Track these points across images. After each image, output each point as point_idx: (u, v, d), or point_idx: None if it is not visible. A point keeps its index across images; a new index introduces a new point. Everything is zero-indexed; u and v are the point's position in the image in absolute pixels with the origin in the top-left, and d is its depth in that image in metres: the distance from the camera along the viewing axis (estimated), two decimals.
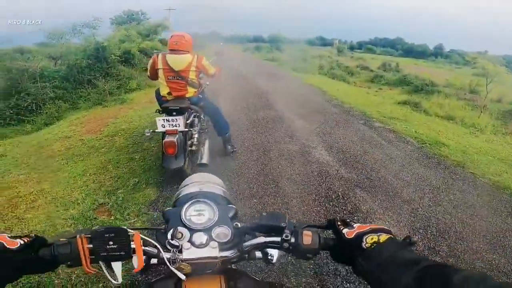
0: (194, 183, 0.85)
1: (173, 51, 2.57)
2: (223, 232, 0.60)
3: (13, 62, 6.03)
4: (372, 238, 0.47)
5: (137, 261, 0.54)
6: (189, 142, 2.59)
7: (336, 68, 14.36)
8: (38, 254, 0.51)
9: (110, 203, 2.38)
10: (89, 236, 0.52)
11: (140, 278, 1.58)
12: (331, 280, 1.73)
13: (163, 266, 0.57)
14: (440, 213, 2.49)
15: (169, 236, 0.58)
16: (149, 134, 2.54)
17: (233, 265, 0.71)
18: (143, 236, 0.55)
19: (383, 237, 0.47)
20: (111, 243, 0.52)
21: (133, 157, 3.24)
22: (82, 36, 8.07)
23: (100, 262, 0.52)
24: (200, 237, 0.58)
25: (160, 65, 2.58)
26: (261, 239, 0.60)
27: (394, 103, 7.62)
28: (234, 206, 0.70)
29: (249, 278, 0.61)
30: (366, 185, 2.88)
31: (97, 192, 2.57)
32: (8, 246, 0.47)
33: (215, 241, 0.58)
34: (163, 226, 0.63)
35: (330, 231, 0.58)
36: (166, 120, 2.31)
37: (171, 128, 2.32)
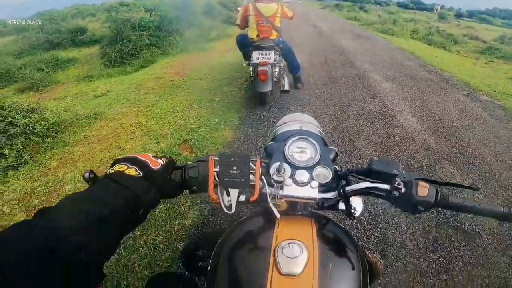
0: (294, 121, 0.82)
1: (261, 0, 3.06)
2: (324, 173, 0.58)
3: (118, 14, 6.83)
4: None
5: (254, 190, 0.53)
6: (274, 73, 3.08)
7: (434, 34, 12.00)
8: (171, 177, 0.52)
9: (193, 140, 2.62)
10: (217, 159, 0.53)
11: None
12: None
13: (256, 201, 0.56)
14: None
15: (272, 171, 0.56)
16: (245, 65, 3.29)
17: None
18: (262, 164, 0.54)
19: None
20: (234, 168, 0.52)
21: (214, 99, 3.49)
22: None
23: (219, 189, 0.53)
24: (302, 175, 0.56)
25: (251, 12, 3.08)
26: (367, 184, 0.56)
27: (509, 78, 6.10)
28: (334, 148, 0.67)
29: (336, 225, 0.61)
30: (458, 160, 2.50)
31: (182, 129, 2.86)
32: (152, 167, 0.48)
33: (316, 181, 0.56)
34: (265, 160, 0.61)
35: None
36: (260, 53, 2.86)
37: (264, 60, 2.86)
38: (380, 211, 1.82)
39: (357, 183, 0.57)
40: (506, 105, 3.95)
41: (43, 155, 2.53)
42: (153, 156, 0.52)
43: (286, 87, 3.36)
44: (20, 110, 2.70)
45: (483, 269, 1.56)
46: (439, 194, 0.51)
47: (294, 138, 0.64)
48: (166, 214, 1.82)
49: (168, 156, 0.56)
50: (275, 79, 3.11)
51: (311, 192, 0.55)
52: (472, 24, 24.09)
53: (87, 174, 0.45)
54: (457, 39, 12.34)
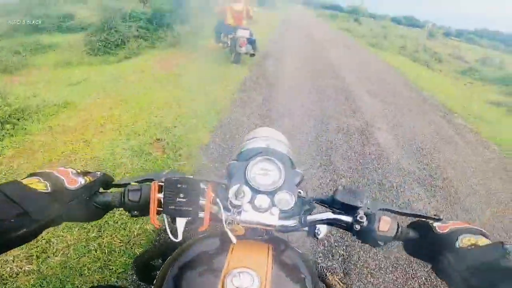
0: (261, 137, 0.78)
1: (234, 2, 5.07)
2: (286, 199, 0.55)
3: (109, 2, 6.60)
4: (469, 240, 0.43)
5: (203, 219, 0.49)
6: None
7: (421, 51, 12.45)
8: (93, 198, 0.49)
9: (166, 140, 2.54)
10: (162, 184, 0.48)
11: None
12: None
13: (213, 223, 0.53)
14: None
15: (231, 194, 0.53)
16: (232, 36, 4.92)
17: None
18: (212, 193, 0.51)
19: (483, 241, 0.42)
20: (181, 195, 0.48)
21: (194, 98, 3.41)
22: None
23: (164, 216, 0.49)
24: (263, 200, 0.54)
25: (228, 7, 5.02)
26: (329, 215, 0.54)
27: (484, 102, 6.39)
28: (300, 171, 0.63)
29: (295, 251, 0.58)
30: (426, 182, 2.57)
31: (157, 127, 2.76)
32: (67, 185, 0.44)
33: (277, 207, 0.53)
34: (224, 181, 0.58)
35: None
36: (243, 30, 4.71)
37: (243, 34, 4.70)
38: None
39: (320, 211, 0.56)
40: (479, 129, 4.13)
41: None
42: (76, 173, 0.48)
43: (254, 52, 5.18)
44: None
45: None
46: (399, 229, 0.50)
47: (258, 159, 0.60)
48: (126, 217, 1.74)
49: (100, 173, 0.51)
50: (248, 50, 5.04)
51: (271, 219, 0.52)
52: (458, 44, 25.13)
53: None
54: (442, 57, 12.85)
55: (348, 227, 0.53)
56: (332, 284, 0.68)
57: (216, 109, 3.23)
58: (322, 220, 0.54)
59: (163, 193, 0.48)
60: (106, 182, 0.52)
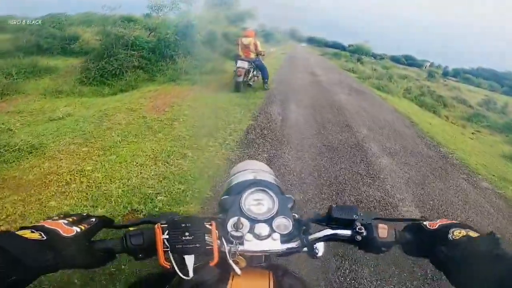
0: (247, 170, 0.80)
1: (244, 35, 5.90)
2: (284, 224, 0.57)
3: (112, 28, 6.39)
4: (460, 232, 0.46)
5: (212, 254, 0.50)
6: (246, 77, 5.65)
7: (426, 95, 12.34)
8: (94, 244, 0.47)
9: (144, 212, 2.00)
10: (165, 225, 0.49)
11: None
12: None
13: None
14: None
15: (230, 227, 0.55)
16: (234, 67, 5.50)
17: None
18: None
19: (473, 233, 0.45)
20: (187, 234, 0.48)
21: (186, 154, 2.89)
22: (178, 12, 8.35)
23: (171, 255, 0.48)
24: (262, 228, 0.55)
25: (239, 41, 5.80)
26: (328, 231, 0.56)
27: (499, 156, 5.96)
28: (291, 196, 0.66)
29: (296, 276, 0.58)
30: None
31: (135, 191, 2.23)
32: (62, 233, 0.42)
33: (277, 232, 0.55)
34: (220, 216, 0.59)
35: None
36: (241, 61, 5.32)
37: (241, 65, 5.32)
38: None
39: (317, 229, 0.57)
40: (507, 194, 3.62)
41: None
42: (68, 223, 0.45)
43: (251, 83, 6.15)
44: None
45: None
46: (397, 233, 0.54)
47: (250, 190, 0.63)
48: None
49: (95, 219, 0.50)
50: (245, 78, 5.70)
51: (274, 244, 0.54)
52: (457, 85, 25.58)
53: None
54: (446, 101, 12.73)
55: (349, 239, 0.55)
56: None
57: (211, 171, 2.65)
58: (323, 237, 0.56)
59: (167, 234, 0.48)
60: (107, 223, 0.51)
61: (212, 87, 5.95)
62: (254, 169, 0.81)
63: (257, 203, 0.61)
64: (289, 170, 2.98)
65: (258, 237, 0.54)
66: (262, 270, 0.55)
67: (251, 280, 0.52)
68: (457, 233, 0.45)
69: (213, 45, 9.04)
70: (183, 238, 0.48)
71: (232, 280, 0.50)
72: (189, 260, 0.48)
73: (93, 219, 0.50)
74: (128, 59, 6.05)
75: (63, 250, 0.41)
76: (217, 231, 0.51)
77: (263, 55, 6.03)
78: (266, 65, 6.29)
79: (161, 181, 2.38)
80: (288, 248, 0.54)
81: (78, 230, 0.44)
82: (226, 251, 0.50)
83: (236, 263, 0.51)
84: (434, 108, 10.97)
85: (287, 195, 0.66)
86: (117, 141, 2.97)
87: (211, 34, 9.18)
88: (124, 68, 5.94)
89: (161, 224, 0.48)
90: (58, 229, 0.42)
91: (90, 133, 3.10)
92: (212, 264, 0.49)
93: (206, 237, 0.49)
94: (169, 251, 0.48)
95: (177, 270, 0.47)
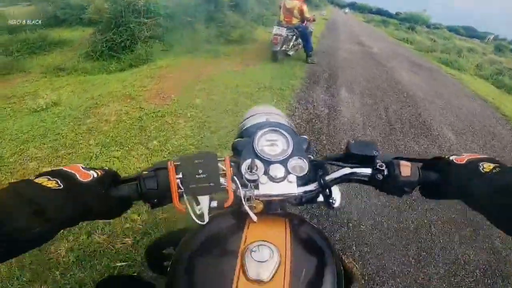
0: (260, 113, 0.77)
1: None
2: (300, 165, 0.53)
3: None
4: (489, 166, 0.40)
5: (227, 194, 0.47)
6: (285, 46, 4.87)
7: (505, 74, 9.86)
8: (109, 193, 0.43)
9: None
10: (178, 164, 0.46)
11: None
12: None
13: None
14: None
15: (244, 169, 0.51)
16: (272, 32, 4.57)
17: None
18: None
19: (505, 166, 0.40)
20: (200, 171, 0.45)
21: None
22: None
23: (186, 199, 0.46)
24: (277, 170, 0.51)
25: (282, 4, 4.85)
26: (347, 170, 0.52)
27: None
28: (306, 137, 0.61)
29: (312, 227, 0.55)
30: None
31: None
32: (80, 179, 0.40)
33: (293, 174, 0.52)
34: (234, 158, 0.55)
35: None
36: (278, 28, 4.50)
37: (278, 32, 4.47)
38: None
39: (334, 171, 0.53)
40: None
41: None
42: (85, 167, 0.43)
43: (290, 53, 5.16)
44: None
45: None
46: (420, 172, 0.48)
47: (263, 131, 0.59)
48: None
49: (106, 168, 0.46)
50: (284, 47, 4.83)
51: (290, 187, 0.51)
52: None
53: None
54: None
55: (369, 179, 0.51)
56: (348, 267, 0.59)
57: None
58: (341, 177, 0.52)
59: (181, 173, 0.46)
60: (115, 176, 0.46)
61: (238, 59, 4.77)
62: (267, 111, 0.79)
63: (271, 143, 0.58)
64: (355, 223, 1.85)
65: (273, 179, 0.51)
66: (279, 218, 0.52)
67: (267, 227, 0.50)
68: (487, 166, 0.40)
69: (243, 9, 7.62)
70: (197, 176, 0.45)
71: (248, 227, 0.48)
72: (204, 202, 0.46)
73: (106, 168, 0.46)
74: (140, 28, 5.02)
75: (82, 198, 0.39)
76: (231, 168, 0.48)
77: (312, 21, 5.00)
78: (311, 33, 5.19)
79: (143, 238, 1.40)
80: (305, 192, 0.51)
81: (95, 175, 0.42)
82: (242, 195, 0.48)
83: (253, 208, 0.48)
84: None
85: (302, 136, 0.61)
86: (94, 155, 2.03)
87: None
88: (136, 39, 4.95)
89: (174, 162, 0.45)
90: (75, 173, 0.40)
91: (63, 139, 2.22)
92: (226, 205, 0.47)
93: (220, 176, 0.46)
94: (183, 193, 0.45)
95: (192, 215, 0.46)
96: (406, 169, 0.47)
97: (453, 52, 9.86)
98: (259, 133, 0.58)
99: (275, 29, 4.49)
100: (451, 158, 0.46)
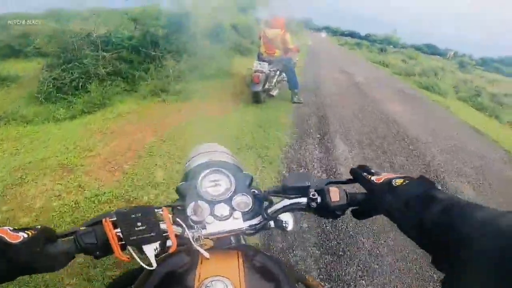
0: (202, 153, 0.77)
1: (269, 27, 4.27)
2: (244, 201, 0.56)
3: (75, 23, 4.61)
4: (400, 180, 0.45)
5: (170, 241, 0.47)
6: (267, 84, 4.17)
7: (483, 96, 10.03)
8: (44, 250, 0.42)
9: None
10: (114, 219, 0.45)
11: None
12: None
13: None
14: None
15: (189, 212, 0.53)
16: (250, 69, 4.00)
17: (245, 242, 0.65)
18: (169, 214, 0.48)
19: (413, 180, 0.45)
20: (139, 224, 0.45)
21: None
22: None
23: (130, 248, 0.45)
24: (222, 209, 0.54)
25: (262, 34, 4.32)
26: (286, 202, 0.55)
27: None
28: (249, 173, 0.64)
29: (266, 254, 0.53)
30: None
31: None
32: (9, 240, 0.39)
33: (238, 211, 0.54)
34: (179, 203, 0.57)
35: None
36: (259, 64, 3.88)
37: (259, 68, 3.84)
38: None
39: (277, 202, 0.56)
40: None
41: None
42: (13, 229, 0.41)
43: (273, 94, 4.51)
44: None
45: None
46: (348, 195, 0.51)
47: (206, 172, 0.61)
48: None
49: (39, 226, 0.43)
50: (269, 86, 4.26)
51: (236, 223, 0.53)
52: (494, 76, 22.43)
53: None
54: (502, 100, 10.44)
55: (306, 208, 0.53)
56: (313, 285, 0.63)
57: None
58: (282, 208, 0.54)
59: (119, 228, 0.45)
60: (50, 233, 0.44)
61: (214, 101, 4.14)
62: (210, 151, 0.79)
63: (214, 184, 0.59)
64: None
65: (219, 218, 0.52)
66: (231, 251, 0.52)
67: (220, 262, 0.49)
68: (398, 181, 0.45)
69: (220, 38, 7.13)
70: (136, 229, 0.44)
71: (201, 263, 0.48)
72: (149, 250, 0.45)
73: (38, 226, 0.43)
74: (96, 64, 4.28)
75: (15, 256, 0.38)
76: (170, 216, 0.48)
77: (297, 51, 4.52)
78: (295, 65, 4.67)
79: None
80: (251, 225, 0.53)
81: (26, 235, 0.40)
82: (190, 237, 0.48)
83: (204, 246, 0.48)
84: (494, 111, 8.74)
85: (244, 172, 0.65)
86: None
87: (217, 25, 7.26)
88: (91, 77, 4.19)
89: (109, 218, 0.44)
90: (4, 235, 0.39)
91: None
92: (171, 251, 0.47)
93: (161, 225, 0.47)
94: (125, 245, 0.45)
95: (140, 262, 0.44)
96: (335, 194, 0.50)
97: (431, 75, 9.94)
98: (202, 174, 0.60)
99: (256, 65, 3.88)
100: (372, 178, 0.50)
